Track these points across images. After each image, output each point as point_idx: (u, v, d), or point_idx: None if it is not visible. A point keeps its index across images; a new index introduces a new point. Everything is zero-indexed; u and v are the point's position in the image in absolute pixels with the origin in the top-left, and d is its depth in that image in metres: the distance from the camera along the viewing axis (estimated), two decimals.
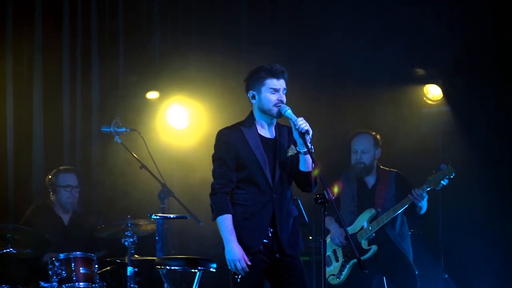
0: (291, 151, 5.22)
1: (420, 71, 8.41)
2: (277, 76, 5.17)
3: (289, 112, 5.11)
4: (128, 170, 7.83)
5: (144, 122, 8.03)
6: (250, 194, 5.14)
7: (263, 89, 5.17)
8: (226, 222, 5.08)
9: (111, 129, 7.04)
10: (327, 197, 4.88)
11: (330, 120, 8.20)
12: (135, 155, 7.06)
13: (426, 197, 6.77)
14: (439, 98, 8.30)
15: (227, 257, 5.06)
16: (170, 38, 8.56)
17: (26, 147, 7.96)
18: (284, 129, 5.29)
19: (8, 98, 7.92)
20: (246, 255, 5.06)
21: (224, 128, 5.26)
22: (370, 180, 7.08)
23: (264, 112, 5.20)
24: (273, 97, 5.15)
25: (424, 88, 8.34)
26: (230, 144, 5.15)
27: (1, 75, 7.90)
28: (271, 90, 5.16)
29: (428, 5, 8.30)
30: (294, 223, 5.26)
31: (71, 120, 8.14)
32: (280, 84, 5.18)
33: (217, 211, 5.11)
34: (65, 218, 7.40)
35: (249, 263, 5.04)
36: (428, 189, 6.76)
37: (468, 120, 8.18)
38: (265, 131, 5.24)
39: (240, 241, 5.08)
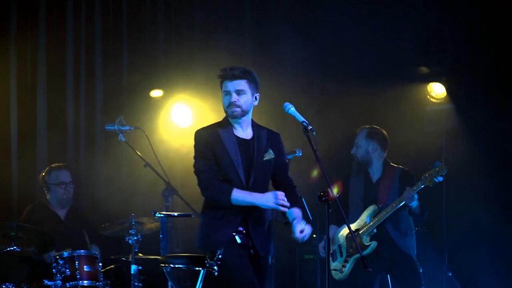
0: (267, 156, 5.28)
1: (424, 69, 8.41)
2: (228, 78, 5.23)
3: (292, 109, 5.16)
4: (132, 169, 7.85)
5: (148, 121, 8.04)
6: None
7: (222, 92, 5.30)
8: (239, 193, 5.11)
9: (115, 127, 7.04)
10: (331, 194, 4.89)
11: (333, 118, 8.20)
12: (139, 154, 7.06)
13: (416, 197, 6.75)
14: (443, 96, 8.30)
15: (267, 204, 5.10)
16: (174, 36, 8.58)
17: (30, 146, 7.98)
18: (263, 132, 5.34)
19: (12, 96, 7.94)
20: (218, 247, 5.11)
21: (200, 129, 5.36)
22: (375, 175, 7.06)
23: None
24: (226, 100, 5.25)
25: (428, 86, 8.34)
26: (208, 143, 5.23)
27: (5, 73, 7.92)
28: (224, 92, 5.27)
29: (431, 3, 8.29)
30: (269, 226, 5.32)
31: (75, 119, 8.16)
32: (233, 85, 5.22)
33: (226, 194, 5.12)
34: (62, 214, 7.39)
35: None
36: (422, 186, 6.74)
37: (472, 118, 8.17)
38: (241, 132, 5.30)
39: (208, 237, 5.19)
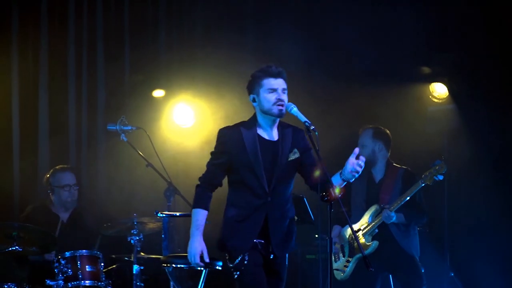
0: (292, 156, 5.20)
1: (425, 69, 8.41)
2: (273, 75, 5.15)
3: (295, 109, 5.09)
4: (134, 169, 7.85)
5: (150, 121, 8.04)
6: (244, 197, 5.15)
7: (261, 90, 5.15)
8: (198, 216, 5.14)
9: (117, 128, 7.04)
10: (333, 194, 4.88)
11: (335, 118, 8.19)
12: (141, 154, 7.07)
13: (394, 217, 6.75)
14: (445, 96, 8.30)
15: (188, 250, 5.12)
16: (175, 37, 8.58)
17: (31, 146, 7.98)
18: (289, 131, 5.25)
19: (14, 96, 7.94)
20: (240, 253, 5.09)
21: (224, 128, 5.26)
22: (378, 175, 7.05)
23: (265, 113, 5.16)
24: (272, 97, 5.12)
25: (429, 86, 8.35)
26: (226, 145, 5.16)
27: (7, 73, 7.92)
28: (269, 90, 5.13)
29: (433, 4, 8.29)
30: (289, 224, 5.25)
31: (77, 119, 8.16)
32: (278, 83, 5.15)
33: (195, 203, 5.17)
34: (64, 216, 7.36)
35: (207, 260, 5.11)
36: (423, 184, 6.74)
37: (474, 118, 8.17)
38: (266, 133, 5.20)
39: (229, 243, 5.13)
